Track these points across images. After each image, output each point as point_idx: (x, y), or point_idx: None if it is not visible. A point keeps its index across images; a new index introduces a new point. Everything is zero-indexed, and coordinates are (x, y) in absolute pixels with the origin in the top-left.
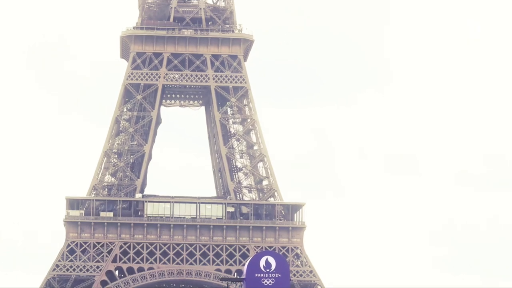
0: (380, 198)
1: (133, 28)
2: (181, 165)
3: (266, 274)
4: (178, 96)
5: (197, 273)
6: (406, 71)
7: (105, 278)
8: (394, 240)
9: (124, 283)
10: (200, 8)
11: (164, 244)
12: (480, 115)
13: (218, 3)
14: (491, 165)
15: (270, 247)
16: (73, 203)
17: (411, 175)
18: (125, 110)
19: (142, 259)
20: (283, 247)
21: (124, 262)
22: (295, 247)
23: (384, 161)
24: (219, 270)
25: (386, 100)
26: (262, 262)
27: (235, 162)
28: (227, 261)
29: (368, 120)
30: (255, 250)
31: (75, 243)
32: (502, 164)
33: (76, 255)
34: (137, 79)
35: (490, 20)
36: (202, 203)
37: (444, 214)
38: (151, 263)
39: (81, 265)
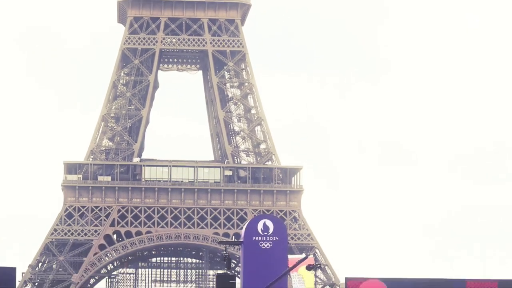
0: (376, 158)
1: None
2: (178, 129)
3: (264, 238)
4: (175, 60)
5: (195, 236)
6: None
7: (103, 242)
8: (390, 205)
9: (122, 247)
10: None
11: (162, 208)
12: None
13: None
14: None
15: (268, 211)
16: (71, 168)
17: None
18: (122, 74)
19: (140, 223)
20: (281, 211)
21: (122, 226)
22: (292, 211)
23: (377, 122)
24: (217, 233)
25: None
26: (260, 226)
27: (232, 126)
28: (225, 225)
29: (363, 82)
30: (252, 213)
31: (73, 207)
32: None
33: (74, 219)
34: (134, 44)
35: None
36: (199, 167)
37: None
38: (149, 226)
39: (79, 229)
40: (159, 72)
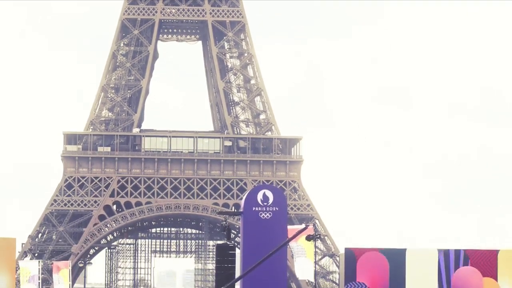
0: (375, 130)
1: None
2: (178, 99)
3: (264, 208)
4: (175, 30)
5: (194, 207)
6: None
7: (103, 212)
8: (390, 172)
9: (122, 217)
10: None
11: (162, 179)
12: (476, 48)
13: None
14: (486, 97)
15: (268, 181)
16: (70, 138)
17: (404, 108)
18: (122, 45)
19: (139, 194)
20: (281, 181)
21: (122, 196)
22: (292, 181)
23: (377, 93)
24: (216, 204)
25: (380, 32)
26: (259, 196)
27: (232, 96)
28: (224, 195)
29: (362, 53)
30: (252, 184)
31: (72, 178)
32: (496, 96)
33: (74, 190)
34: (133, 14)
35: None
36: (199, 137)
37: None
38: (148, 197)
39: (78, 199)
40: (159, 42)
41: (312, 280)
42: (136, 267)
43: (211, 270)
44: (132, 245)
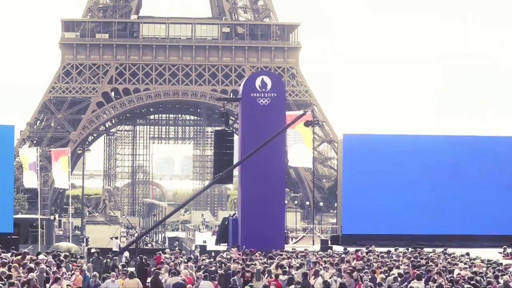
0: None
1: None
2: None
3: (262, 94)
4: None
5: (193, 93)
6: None
7: (101, 99)
8: (390, 62)
9: (120, 104)
10: None
11: (160, 65)
12: None
13: None
14: None
15: (266, 67)
16: (68, 25)
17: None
18: None
19: (138, 80)
20: (279, 67)
21: (120, 83)
22: (290, 67)
23: None
24: (215, 90)
25: None
26: (257, 82)
27: None
28: (223, 82)
29: None
30: (250, 70)
31: (70, 65)
32: None
33: (72, 77)
34: None
35: None
36: (197, 24)
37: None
38: (147, 84)
39: (77, 86)
40: None
41: (310, 166)
42: (134, 153)
43: (209, 156)
44: (130, 132)
